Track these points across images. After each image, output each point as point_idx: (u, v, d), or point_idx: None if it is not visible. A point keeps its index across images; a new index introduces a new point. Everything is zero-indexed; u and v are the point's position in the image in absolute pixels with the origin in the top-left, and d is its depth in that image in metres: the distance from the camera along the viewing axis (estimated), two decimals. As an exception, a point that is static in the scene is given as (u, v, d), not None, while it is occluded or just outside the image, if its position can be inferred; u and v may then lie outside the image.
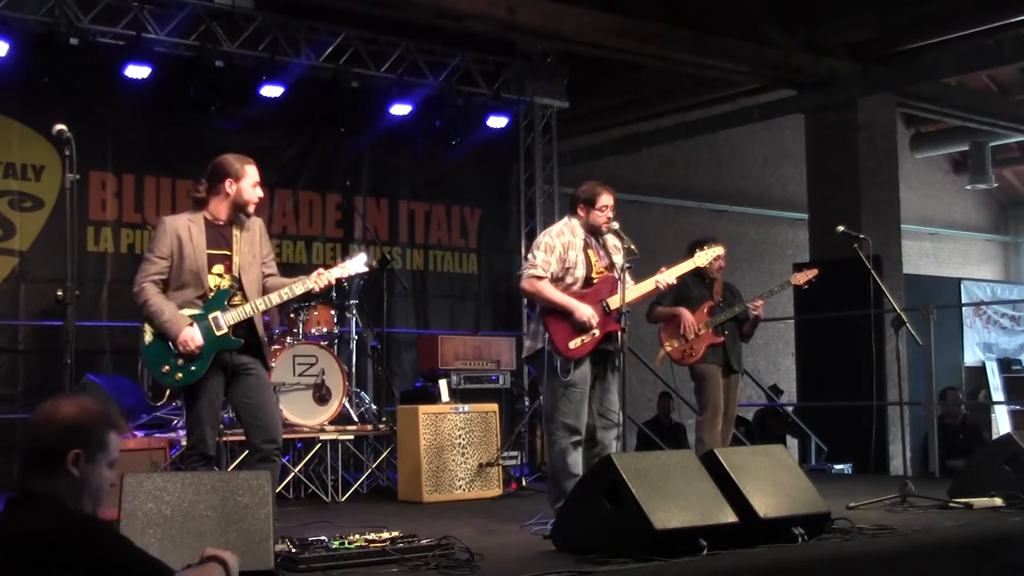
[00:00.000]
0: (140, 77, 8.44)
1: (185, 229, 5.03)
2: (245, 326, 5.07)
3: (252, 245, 5.17)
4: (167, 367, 4.96)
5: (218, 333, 4.99)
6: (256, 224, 5.23)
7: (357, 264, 5.38)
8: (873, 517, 5.51)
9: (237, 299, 5.08)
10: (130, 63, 8.38)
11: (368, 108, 9.68)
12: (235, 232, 5.12)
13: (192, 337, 4.91)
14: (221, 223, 5.10)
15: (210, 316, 5.00)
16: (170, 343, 4.94)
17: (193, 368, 4.96)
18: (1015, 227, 19.94)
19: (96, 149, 8.51)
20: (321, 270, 5.27)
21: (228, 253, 5.09)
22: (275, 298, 5.15)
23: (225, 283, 5.08)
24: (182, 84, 8.70)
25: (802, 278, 7.26)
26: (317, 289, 5.24)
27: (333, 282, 5.31)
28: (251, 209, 5.15)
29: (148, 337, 5.00)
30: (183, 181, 9.04)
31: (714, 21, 10.40)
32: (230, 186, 5.06)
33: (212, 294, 5.04)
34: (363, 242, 9.91)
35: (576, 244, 5.84)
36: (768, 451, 5.30)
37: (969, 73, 13.06)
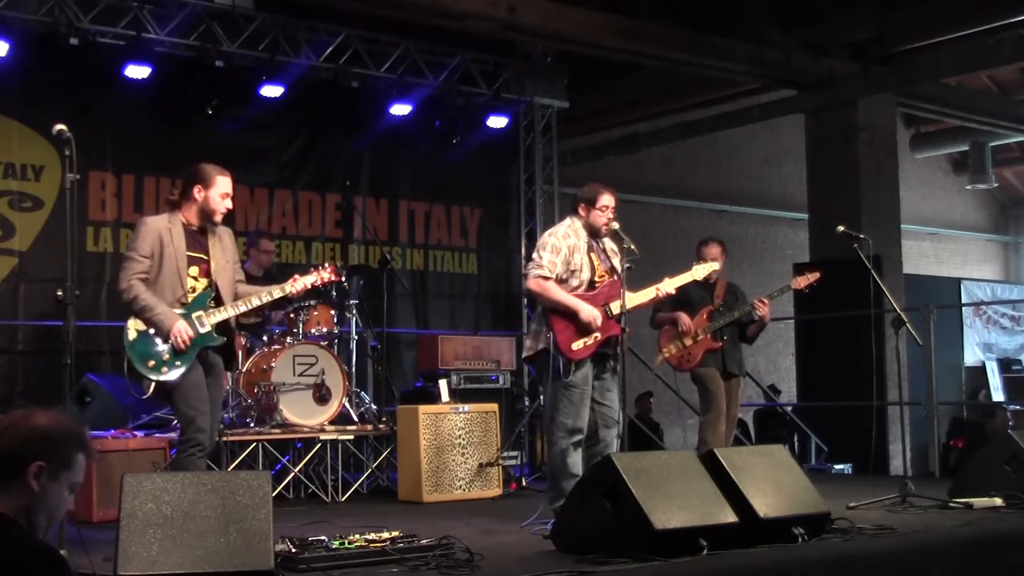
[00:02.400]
0: (140, 77, 8.43)
1: (166, 230, 5.20)
2: (222, 327, 5.31)
3: (224, 251, 5.38)
4: (153, 361, 5.15)
5: (202, 331, 5.20)
6: (226, 232, 5.45)
7: (331, 272, 5.73)
8: (873, 517, 5.51)
9: (213, 301, 5.29)
10: (130, 63, 8.37)
11: (368, 108, 9.68)
12: (209, 238, 5.32)
13: (184, 329, 5.12)
14: (194, 228, 5.28)
15: (194, 315, 5.21)
16: (158, 338, 5.12)
17: (178, 363, 5.14)
18: (1015, 227, 19.94)
19: (96, 149, 8.51)
20: (296, 276, 5.61)
21: (205, 257, 5.29)
22: (254, 300, 5.42)
23: (201, 285, 5.27)
24: (182, 84, 8.70)
25: (803, 282, 7.18)
26: (293, 293, 5.57)
27: (309, 287, 5.62)
28: (217, 219, 5.32)
29: (132, 334, 5.17)
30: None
31: (714, 21, 10.40)
32: (198, 192, 5.24)
33: (191, 295, 5.22)
34: (363, 242, 9.93)
35: (581, 247, 5.85)
36: (768, 451, 5.30)
37: (969, 73, 13.05)
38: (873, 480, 7.86)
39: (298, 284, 5.53)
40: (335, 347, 7.97)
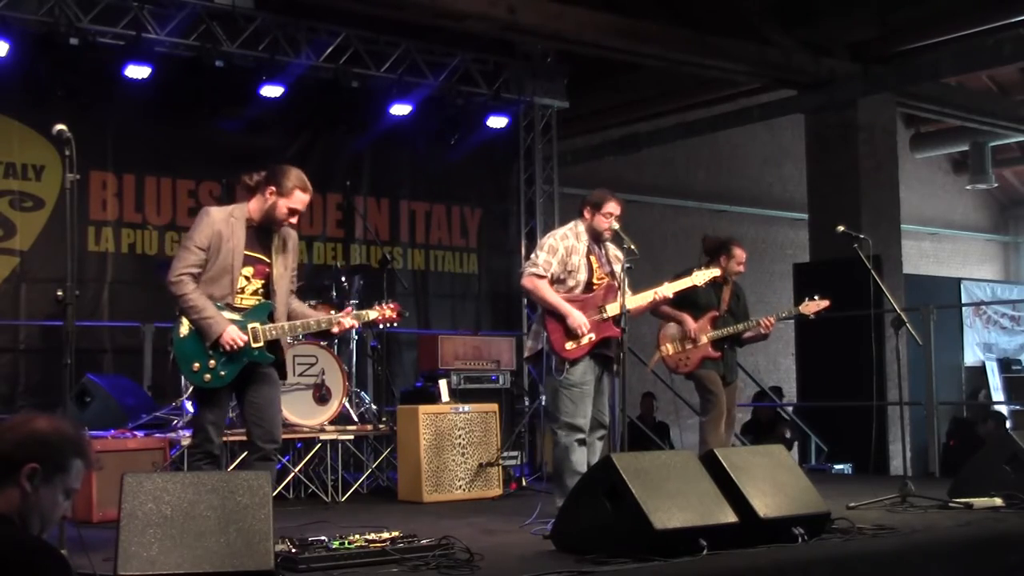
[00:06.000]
0: (140, 77, 8.44)
1: (227, 224, 4.96)
2: (273, 342, 5.07)
3: (286, 257, 5.13)
4: (198, 365, 4.91)
5: (255, 346, 4.96)
6: (291, 236, 5.20)
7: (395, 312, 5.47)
8: (873, 517, 5.51)
9: (269, 318, 5.04)
10: (130, 63, 8.38)
11: (368, 108, 9.69)
12: (275, 240, 5.09)
13: (236, 336, 4.86)
14: (256, 225, 5.04)
15: (250, 326, 4.96)
16: (207, 342, 4.88)
17: (223, 373, 4.92)
18: (1015, 227, 19.95)
19: (96, 149, 8.52)
20: (350, 308, 5.42)
21: (265, 258, 5.06)
22: (313, 324, 5.19)
23: (253, 286, 5.03)
24: (182, 84, 8.71)
25: (813, 307, 7.15)
26: (357, 325, 5.39)
27: (363, 320, 5.43)
28: (275, 228, 5.07)
29: (184, 330, 4.92)
30: (183, 181, 9.06)
31: (714, 21, 10.40)
32: (271, 195, 4.98)
33: (239, 296, 4.99)
34: (364, 242, 9.93)
35: (580, 249, 5.90)
36: (768, 451, 5.30)
37: (969, 73, 13.06)
38: (873, 480, 7.86)
39: (346, 321, 5.24)
40: (335, 347, 7.97)
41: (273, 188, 4.98)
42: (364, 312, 5.35)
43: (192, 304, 4.88)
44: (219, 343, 4.85)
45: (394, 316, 5.40)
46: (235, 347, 4.86)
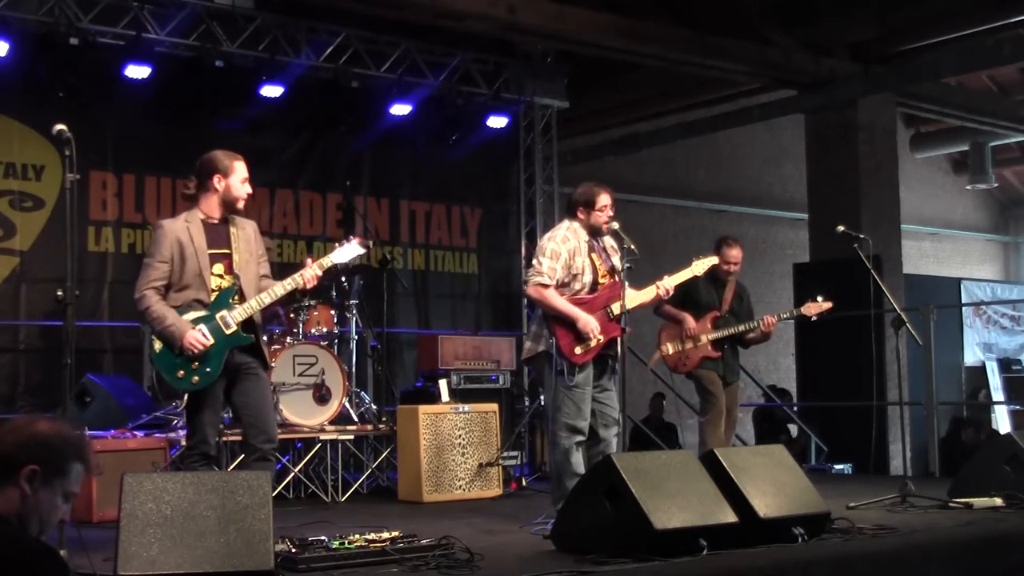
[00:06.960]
0: (140, 77, 8.44)
1: (184, 231, 5.01)
2: (248, 324, 5.07)
3: (248, 243, 5.16)
4: (182, 372, 4.95)
5: (228, 332, 4.98)
6: (250, 225, 5.25)
7: (350, 250, 5.38)
8: (873, 517, 5.51)
9: (237, 298, 5.07)
10: (130, 63, 8.38)
11: (368, 108, 9.69)
12: (232, 230, 5.12)
13: (196, 338, 4.89)
14: (216, 221, 5.09)
15: (217, 316, 4.98)
16: (174, 350, 4.91)
17: (208, 370, 4.95)
18: (1015, 227, 19.94)
19: (96, 149, 8.53)
20: (309, 260, 5.30)
21: (228, 251, 5.08)
22: (279, 289, 5.12)
23: (226, 282, 5.06)
24: (182, 84, 8.71)
25: (814, 309, 7.15)
26: (319, 274, 5.23)
27: (325, 267, 5.29)
28: (240, 205, 5.13)
29: (158, 345, 4.98)
30: (183, 181, 9.01)
31: (714, 21, 10.40)
32: (219, 182, 5.05)
33: (215, 294, 5.02)
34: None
35: (582, 249, 5.84)
36: (768, 451, 5.30)
37: (969, 73, 13.05)
38: (873, 480, 7.86)
39: (308, 273, 5.13)
40: (335, 347, 7.97)
41: (217, 176, 5.06)
42: (327, 257, 5.30)
43: (154, 316, 4.94)
44: (182, 348, 4.90)
45: (358, 247, 5.39)
46: (195, 348, 4.89)
